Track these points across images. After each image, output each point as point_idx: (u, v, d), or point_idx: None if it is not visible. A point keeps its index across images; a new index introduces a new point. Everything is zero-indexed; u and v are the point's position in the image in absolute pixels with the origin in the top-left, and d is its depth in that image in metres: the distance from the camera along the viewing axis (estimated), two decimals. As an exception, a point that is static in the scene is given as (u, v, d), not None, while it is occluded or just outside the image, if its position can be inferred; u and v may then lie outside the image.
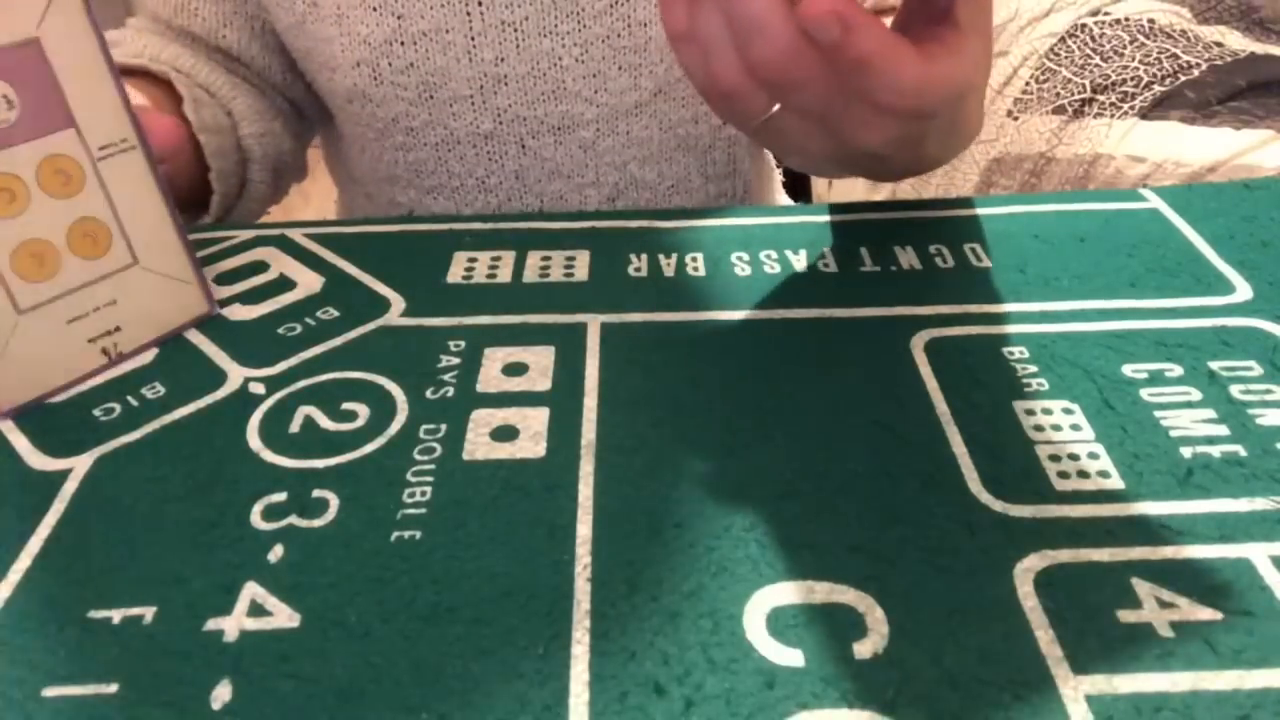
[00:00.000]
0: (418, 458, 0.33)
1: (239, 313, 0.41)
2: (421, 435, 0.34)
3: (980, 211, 0.48)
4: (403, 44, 0.53)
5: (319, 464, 0.33)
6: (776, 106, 0.33)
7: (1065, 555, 0.29)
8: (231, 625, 0.28)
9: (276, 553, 0.30)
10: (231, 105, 0.57)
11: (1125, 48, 1.52)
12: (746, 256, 0.45)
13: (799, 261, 0.44)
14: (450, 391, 0.36)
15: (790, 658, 0.26)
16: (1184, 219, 0.47)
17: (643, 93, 0.56)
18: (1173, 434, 0.34)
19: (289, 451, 0.34)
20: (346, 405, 0.36)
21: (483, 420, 0.35)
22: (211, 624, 0.28)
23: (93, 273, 0.36)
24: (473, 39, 0.53)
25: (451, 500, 0.32)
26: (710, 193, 0.63)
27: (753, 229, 0.47)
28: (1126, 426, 0.34)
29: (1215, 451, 0.33)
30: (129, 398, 0.36)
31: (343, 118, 0.60)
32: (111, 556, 0.30)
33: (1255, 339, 0.39)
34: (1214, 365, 0.37)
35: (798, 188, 1.24)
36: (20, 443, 0.34)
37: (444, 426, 0.35)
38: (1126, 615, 0.27)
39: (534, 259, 0.45)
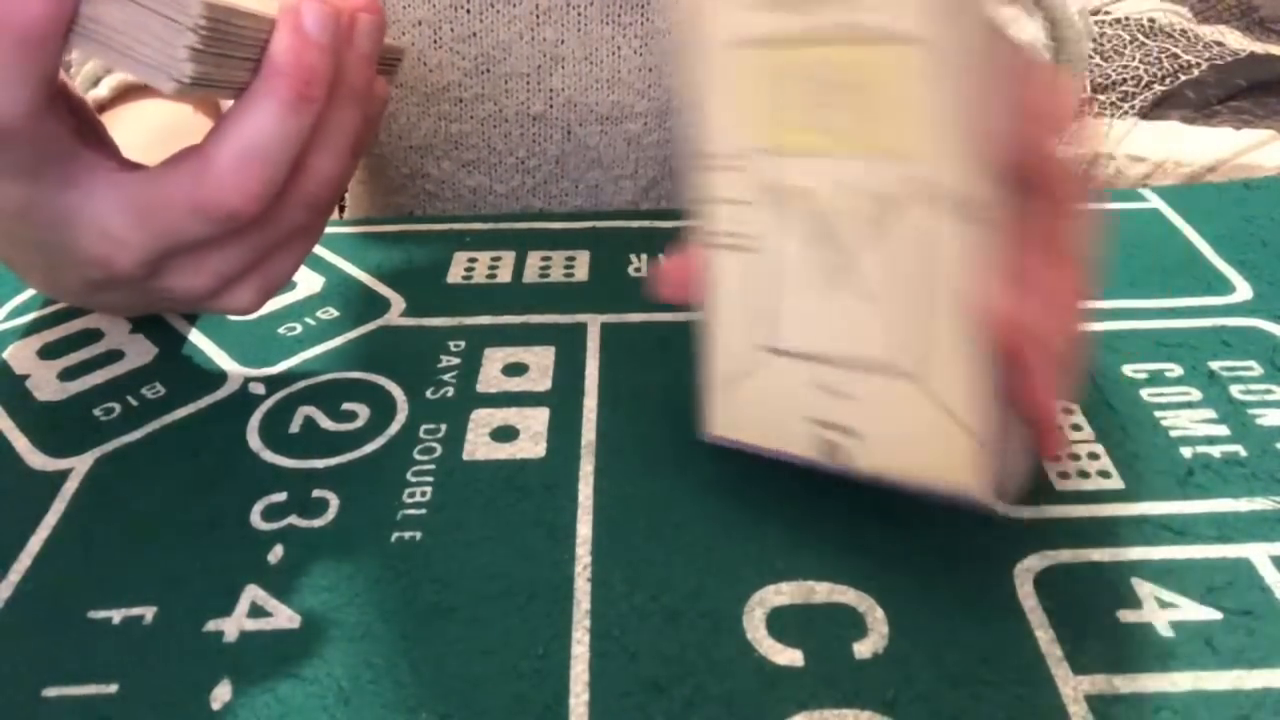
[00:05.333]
0: (418, 458, 0.33)
1: (239, 313, 0.41)
2: (421, 435, 0.34)
3: (980, 211, 0.48)
4: (468, 11, 0.53)
5: (319, 464, 0.33)
6: None
7: (1065, 555, 0.29)
8: (231, 626, 0.28)
9: (276, 553, 0.30)
10: None
11: (1125, 47, 1.52)
12: (746, 256, 0.45)
13: (799, 261, 0.44)
14: (450, 391, 0.36)
15: (790, 658, 0.26)
16: (1184, 219, 0.47)
17: None
18: (1173, 434, 0.34)
19: (289, 451, 0.34)
20: (346, 405, 0.36)
21: (483, 420, 0.35)
22: (211, 624, 0.28)
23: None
24: (537, 16, 0.53)
25: (451, 500, 0.32)
26: None
27: (753, 229, 0.47)
28: (1126, 426, 0.34)
29: (1215, 451, 0.33)
30: (129, 398, 0.36)
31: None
32: (111, 556, 0.30)
33: (1255, 339, 0.39)
34: (1214, 365, 0.37)
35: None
36: (20, 443, 0.34)
37: (444, 426, 0.35)
38: (1126, 615, 0.27)
39: (534, 259, 0.45)
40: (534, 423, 0.35)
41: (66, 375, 0.38)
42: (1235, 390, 0.36)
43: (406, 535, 0.30)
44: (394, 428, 0.35)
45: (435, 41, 0.54)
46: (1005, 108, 0.24)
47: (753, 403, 0.30)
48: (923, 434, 0.27)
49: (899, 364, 0.27)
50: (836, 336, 0.27)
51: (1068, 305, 0.27)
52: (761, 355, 0.29)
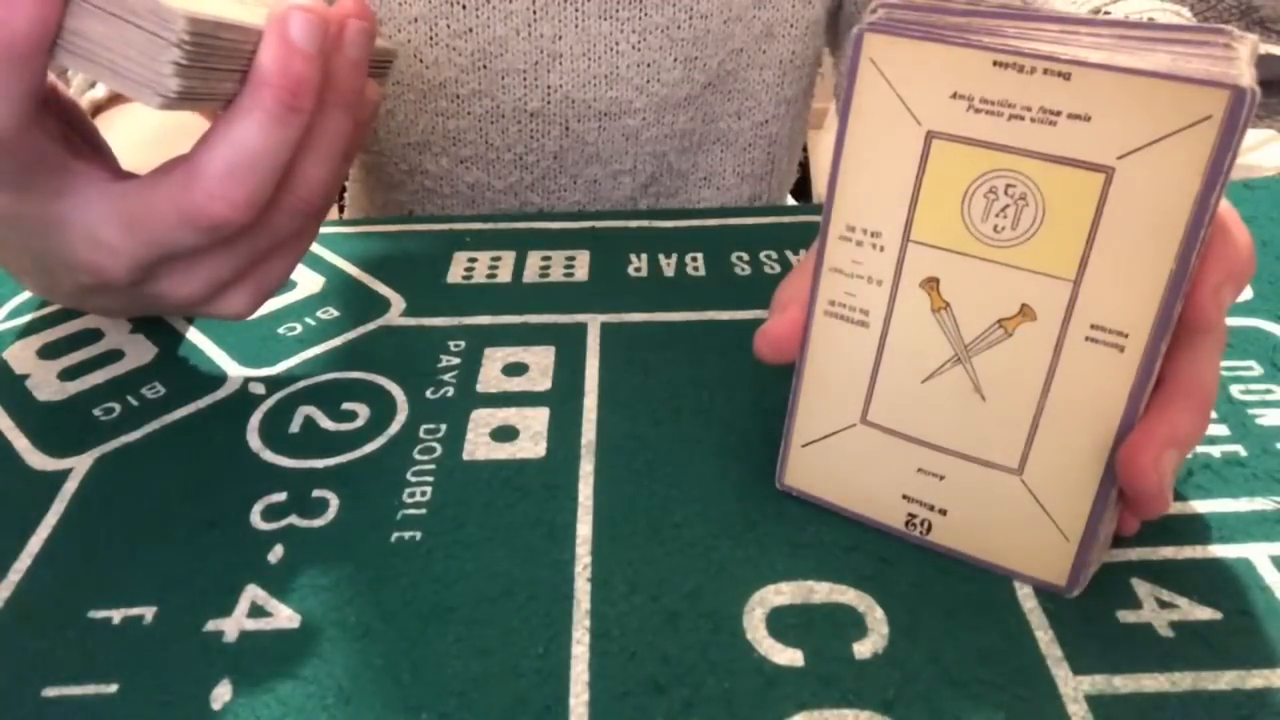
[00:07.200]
0: (418, 458, 0.33)
1: (239, 313, 0.41)
2: (421, 435, 0.34)
3: (980, 211, 0.48)
4: (464, 7, 0.53)
5: (319, 464, 0.33)
6: None
7: (1065, 555, 0.29)
8: (231, 625, 0.28)
9: (276, 553, 0.30)
10: None
11: (1125, 48, 1.51)
12: (746, 256, 0.45)
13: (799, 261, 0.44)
14: (450, 391, 0.36)
15: (790, 658, 0.26)
16: (1184, 219, 0.47)
17: (694, 85, 0.56)
18: (1173, 434, 0.34)
19: (289, 451, 0.34)
20: (346, 405, 0.36)
21: (483, 420, 0.35)
22: (211, 624, 0.28)
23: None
24: (534, 12, 0.53)
25: (451, 500, 0.32)
26: (744, 193, 0.63)
27: (753, 229, 0.47)
28: (1126, 426, 0.34)
29: (1215, 451, 0.33)
30: (129, 398, 0.36)
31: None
32: (111, 556, 0.30)
33: (1255, 339, 0.38)
34: (1214, 365, 0.37)
35: (798, 188, 1.24)
36: (20, 443, 0.34)
37: (444, 426, 0.35)
38: (1126, 615, 0.27)
39: (534, 259, 0.45)
40: (534, 423, 0.35)
41: (66, 375, 0.38)
42: (1235, 390, 0.36)
43: (406, 535, 0.30)
44: (394, 428, 0.35)
45: (431, 38, 0.54)
46: (1193, 255, 0.24)
47: (834, 465, 0.30)
48: (1015, 525, 0.28)
49: (1000, 459, 0.28)
50: (934, 422, 0.28)
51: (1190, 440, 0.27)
52: (850, 423, 0.30)
